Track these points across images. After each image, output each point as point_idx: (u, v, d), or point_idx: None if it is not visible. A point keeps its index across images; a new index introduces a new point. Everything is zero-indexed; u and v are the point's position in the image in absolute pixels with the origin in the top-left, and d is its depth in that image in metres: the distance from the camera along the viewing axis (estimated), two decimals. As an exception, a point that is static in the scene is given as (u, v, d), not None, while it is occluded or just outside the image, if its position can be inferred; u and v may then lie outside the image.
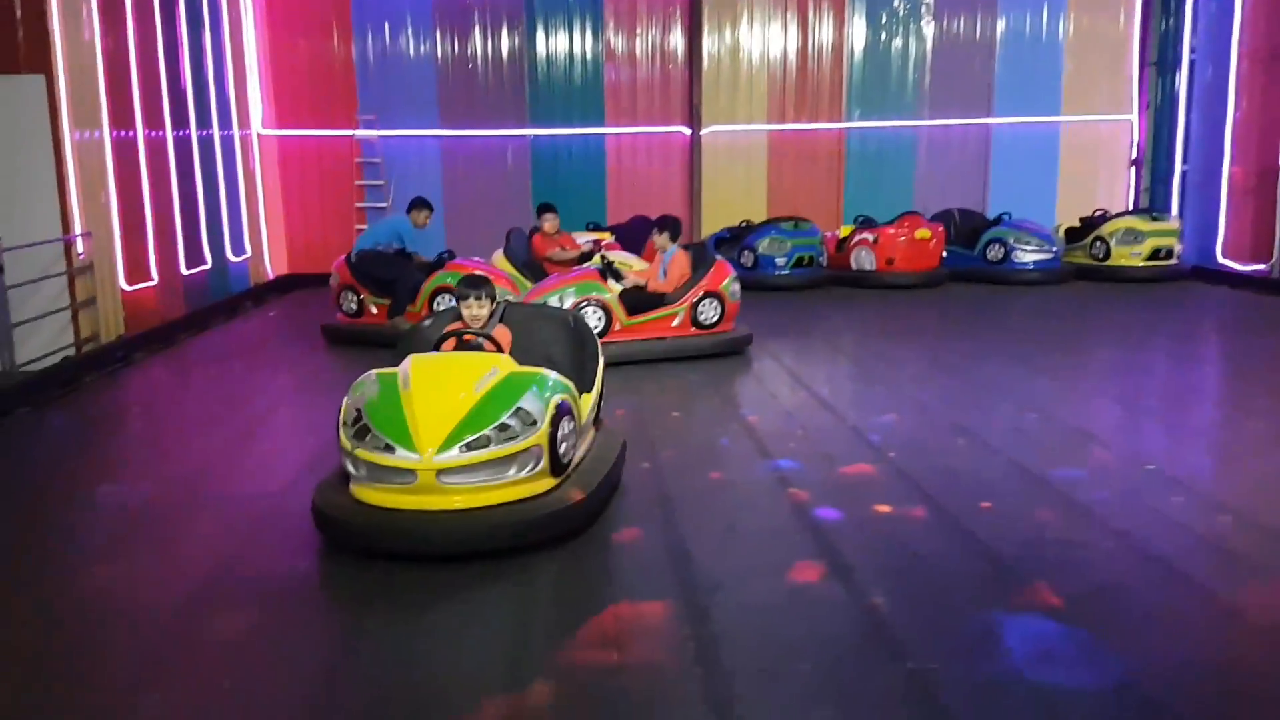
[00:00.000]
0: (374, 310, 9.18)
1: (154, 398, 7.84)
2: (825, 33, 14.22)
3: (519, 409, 4.26)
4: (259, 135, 13.11)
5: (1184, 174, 13.74)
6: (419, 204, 9.28)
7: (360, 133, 13.73)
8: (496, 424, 4.20)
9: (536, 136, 14.06)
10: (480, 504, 4.17)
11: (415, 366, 4.50)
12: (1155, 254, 12.66)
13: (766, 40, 14.21)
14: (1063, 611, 3.64)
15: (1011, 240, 12.75)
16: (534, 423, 4.26)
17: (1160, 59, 14.22)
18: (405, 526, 4.09)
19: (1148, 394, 7.34)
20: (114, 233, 8.91)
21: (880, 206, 13.59)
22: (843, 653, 3.37)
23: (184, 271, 10.39)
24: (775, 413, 6.68)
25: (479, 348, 4.75)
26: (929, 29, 14.28)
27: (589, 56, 14.07)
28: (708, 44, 14.12)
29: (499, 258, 9.97)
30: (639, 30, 14.09)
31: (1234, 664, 3.27)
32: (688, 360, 8.21)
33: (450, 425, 4.16)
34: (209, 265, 11.02)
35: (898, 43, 14.32)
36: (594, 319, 8.08)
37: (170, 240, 10.12)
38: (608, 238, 11.23)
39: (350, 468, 4.29)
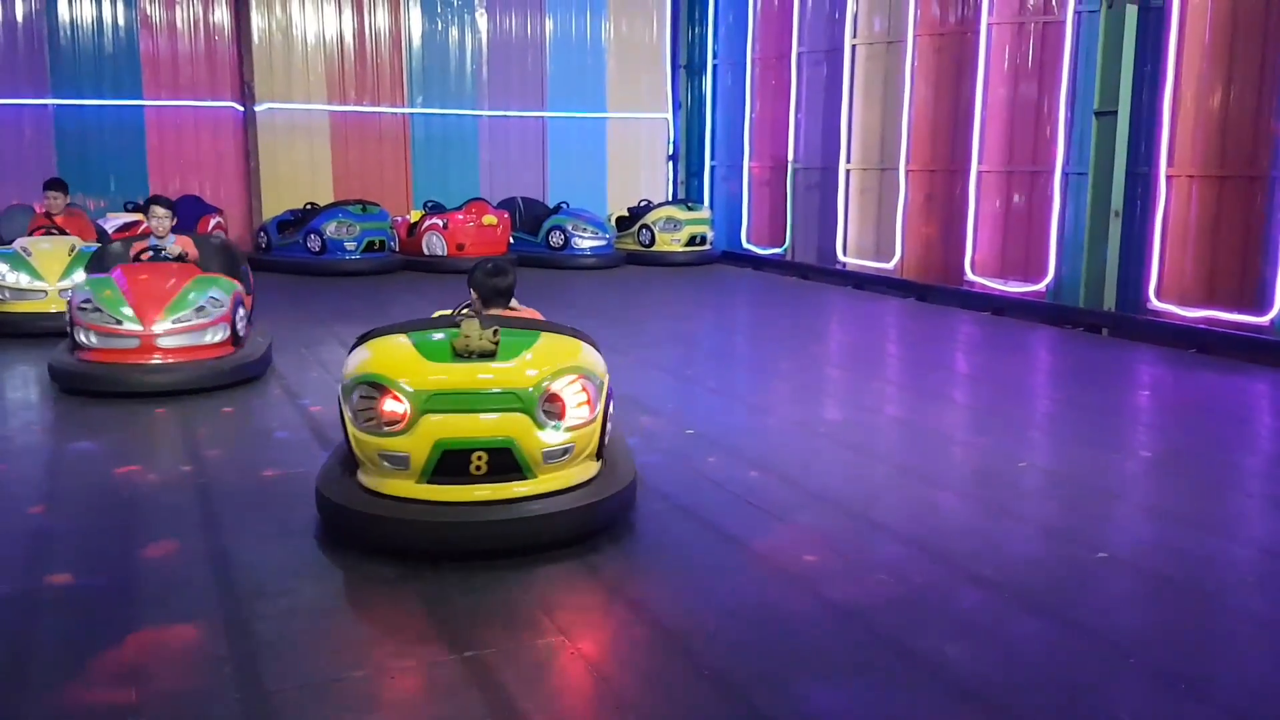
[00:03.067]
0: None
1: None
2: (381, 18, 14.06)
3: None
4: None
5: (713, 168, 15.36)
6: None
7: None
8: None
9: (60, 107, 12.43)
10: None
11: None
12: (692, 240, 14.01)
13: (321, 21, 13.76)
14: (607, 572, 3.88)
15: (570, 228, 13.43)
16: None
17: (689, 63, 15.73)
18: None
19: (692, 363, 8.09)
20: None
21: (449, 193, 13.72)
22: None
23: None
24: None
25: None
26: (484, 23, 14.58)
27: (121, 24, 12.79)
28: (256, 20, 13.41)
29: None
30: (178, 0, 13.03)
31: (763, 603, 3.63)
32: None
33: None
34: None
35: (454, 33, 14.48)
36: None
37: None
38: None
39: None
